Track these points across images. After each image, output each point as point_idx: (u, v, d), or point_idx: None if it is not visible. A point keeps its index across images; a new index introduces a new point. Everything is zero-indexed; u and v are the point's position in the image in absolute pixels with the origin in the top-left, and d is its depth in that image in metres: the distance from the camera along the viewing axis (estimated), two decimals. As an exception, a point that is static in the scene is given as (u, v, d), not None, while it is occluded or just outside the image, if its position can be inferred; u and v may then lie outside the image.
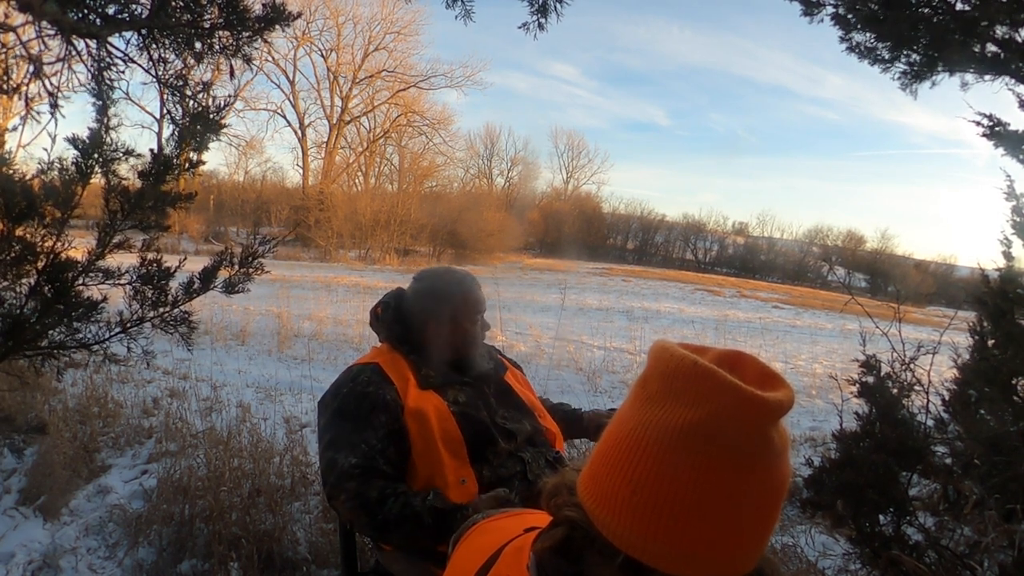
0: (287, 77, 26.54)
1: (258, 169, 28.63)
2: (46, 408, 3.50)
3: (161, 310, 2.15)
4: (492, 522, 0.87)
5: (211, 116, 1.91)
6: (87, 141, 1.78)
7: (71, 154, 1.80)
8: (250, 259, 2.21)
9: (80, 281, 1.96)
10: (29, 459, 2.96)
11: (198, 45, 1.86)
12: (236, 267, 2.21)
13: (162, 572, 2.36)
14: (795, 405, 0.59)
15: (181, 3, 1.81)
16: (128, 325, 2.10)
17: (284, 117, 27.14)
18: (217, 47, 1.88)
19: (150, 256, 2.09)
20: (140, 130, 21.42)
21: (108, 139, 1.81)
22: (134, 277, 2.09)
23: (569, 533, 0.63)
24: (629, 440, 0.58)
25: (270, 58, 24.78)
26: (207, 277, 2.19)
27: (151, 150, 1.92)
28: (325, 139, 27.40)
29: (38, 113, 1.78)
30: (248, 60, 1.94)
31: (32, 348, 1.96)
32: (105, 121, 1.79)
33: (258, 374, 5.34)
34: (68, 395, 3.88)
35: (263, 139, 36.01)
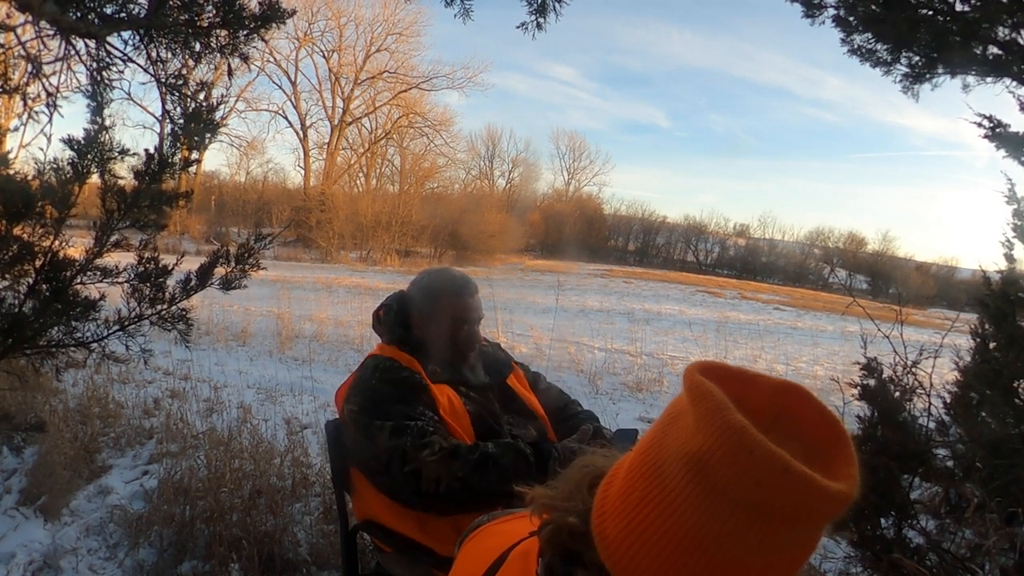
0: (288, 78, 26.62)
1: (259, 170, 28.65)
2: (47, 408, 3.50)
3: (159, 307, 2.16)
4: (498, 524, 0.86)
5: (205, 115, 1.91)
6: (82, 142, 1.78)
7: (68, 154, 1.80)
8: (246, 256, 2.22)
9: (78, 280, 1.96)
10: (30, 459, 2.96)
11: (196, 44, 1.87)
12: (232, 264, 2.21)
13: (163, 573, 2.36)
14: None
15: (179, 2, 1.81)
16: (126, 323, 2.10)
17: (286, 118, 27.21)
18: (215, 46, 1.89)
19: (147, 254, 2.10)
20: (142, 130, 21.53)
21: (104, 139, 1.81)
22: (132, 275, 2.10)
23: None
24: (694, 549, 0.52)
25: (272, 59, 24.87)
26: (204, 274, 2.19)
27: (146, 149, 1.93)
28: (326, 140, 27.47)
29: (37, 114, 1.78)
30: (246, 59, 1.95)
31: (31, 346, 1.97)
32: (100, 121, 1.79)
33: (259, 375, 5.33)
34: (69, 395, 3.88)
35: (264, 140, 36.24)
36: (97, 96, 1.78)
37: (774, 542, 0.51)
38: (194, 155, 2.09)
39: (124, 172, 1.93)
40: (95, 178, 1.88)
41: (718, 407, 0.52)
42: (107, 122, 1.81)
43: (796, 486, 0.49)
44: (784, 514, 0.50)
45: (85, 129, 1.79)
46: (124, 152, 1.84)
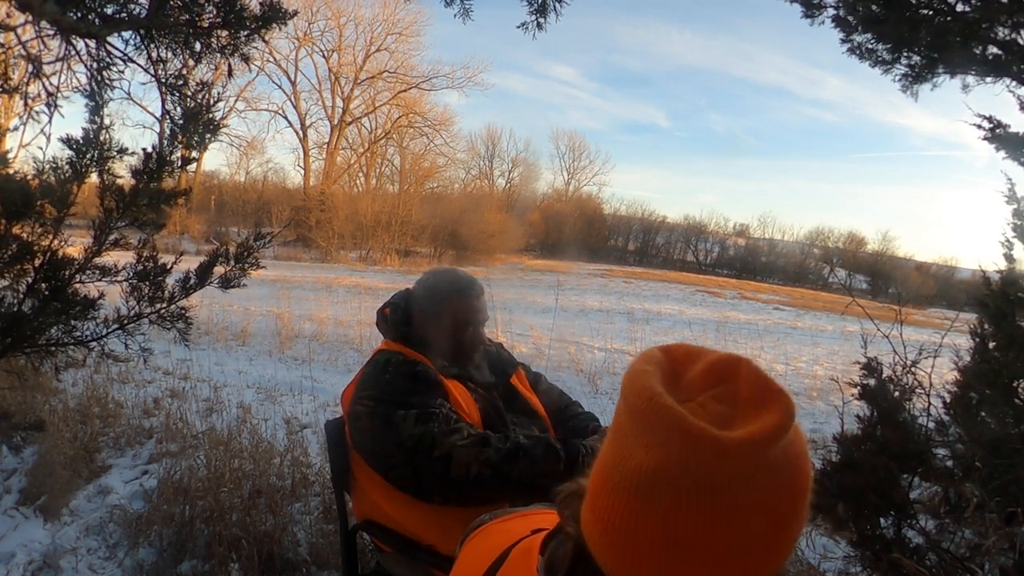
0: (288, 78, 26.62)
1: (259, 170, 28.69)
2: (47, 408, 3.50)
3: (158, 306, 2.16)
4: (499, 523, 0.87)
5: (204, 115, 1.91)
6: (80, 141, 1.78)
7: (67, 154, 1.80)
8: (245, 255, 2.22)
9: (77, 278, 1.96)
10: (30, 459, 2.96)
11: (197, 45, 1.87)
12: (232, 263, 2.22)
13: (162, 573, 2.36)
14: (796, 408, 0.54)
15: (180, 3, 1.81)
16: (125, 321, 2.10)
17: (285, 118, 27.22)
18: (215, 46, 1.89)
19: (146, 253, 2.10)
20: (142, 130, 21.57)
21: (103, 138, 1.81)
22: (131, 274, 2.10)
23: (577, 550, 0.62)
24: (602, 479, 0.57)
25: (271, 59, 24.87)
26: (203, 273, 2.20)
27: (143, 149, 1.93)
28: (326, 140, 27.48)
29: (37, 114, 1.78)
30: (246, 59, 1.95)
31: (30, 345, 1.97)
32: (99, 121, 1.79)
33: (259, 375, 5.33)
34: (69, 395, 3.88)
35: (264, 140, 36.25)
36: (96, 96, 1.78)
37: (672, 498, 0.52)
38: (193, 154, 2.09)
39: (123, 171, 1.94)
40: (94, 177, 1.88)
41: (633, 372, 0.57)
42: (107, 122, 1.81)
43: (663, 421, 0.52)
44: (664, 456, 0.52)
45: (84, 129, 1.79)
46: (122, 151, 1.84)
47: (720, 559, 0.53)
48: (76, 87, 1.86)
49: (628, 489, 0.54)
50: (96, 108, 1.80)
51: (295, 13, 1.99)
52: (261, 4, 1.90)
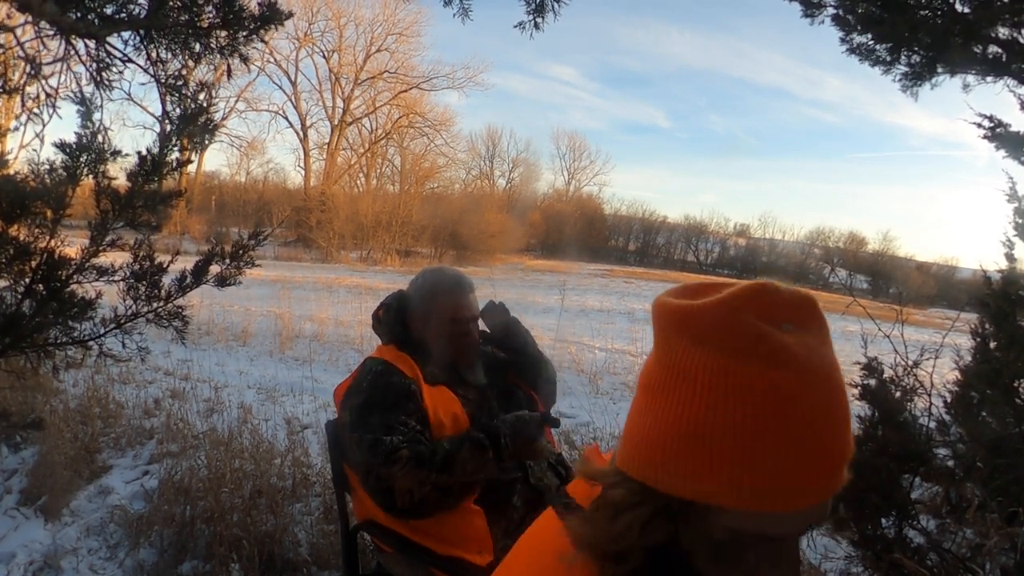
0: (289, 78, 26.66)
1: (260, 170, 28.73)
2: (47, 408, 3.50)
3: (155, 305, 2.18)
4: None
5: (201, 116, 1.91)
6: (73, 146, 1.79)
7: (61, 157, 1.81)
8: (241, 253, 2.23)
9: (74, 279, 1.97)
10: (30, 459, 2.96)
11: (196, 45, 1.87)
12: (227, 262, 2.23)
13: (163, 573, 2.36)
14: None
15: (179, 3, 1.81)
16: (123, 321, 2.11)
17: (286, 118, 27.28)
18: (214, 47, 1.89)
19: (143, 253, 2.11)
20: (143, 130, 21.59)
21: (97, 142, 1.82)
22: (128, 274, 2.11)
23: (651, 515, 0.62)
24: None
25: (272, 59, 24.92)
26: (199, 272, 2.22)
27: (138, 152, 1.95)
28: (327, 140, 27.51)
29: (36, 115, 1.78)
30: (245, 60, 1.95)
31: (29, 345, 1.97)
32: (91, 126, 1.80)
33: (259, 375, 5.34)
34: (69, 395, 3.89)
35: (265, 140, 36.33)
36: (87, 102, 1.79)
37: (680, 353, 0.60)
38: (189, 155, 2.10)
39: (118, 173, 1.94)
40: (90, 179, 1.89)
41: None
42: (106, 122, 1.82)
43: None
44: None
45: (77, 133, 1.80)
46: (116, 154, 1.85)
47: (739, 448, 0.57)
48: (73, 92, 1.86)
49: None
50: (87, 114, 1.80)
51: (291, 15, 2.00)
52: (259, 4, 1.90)
